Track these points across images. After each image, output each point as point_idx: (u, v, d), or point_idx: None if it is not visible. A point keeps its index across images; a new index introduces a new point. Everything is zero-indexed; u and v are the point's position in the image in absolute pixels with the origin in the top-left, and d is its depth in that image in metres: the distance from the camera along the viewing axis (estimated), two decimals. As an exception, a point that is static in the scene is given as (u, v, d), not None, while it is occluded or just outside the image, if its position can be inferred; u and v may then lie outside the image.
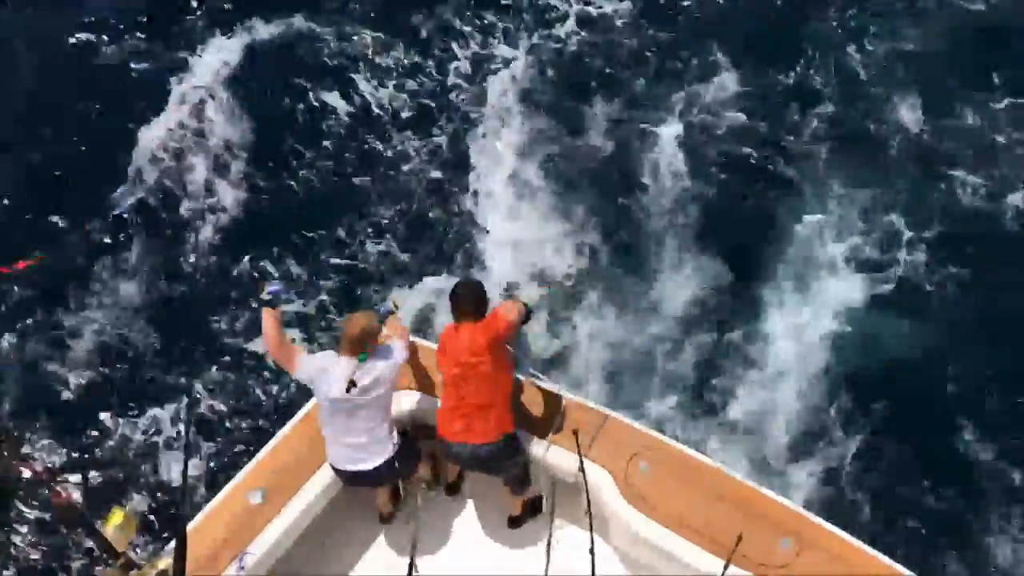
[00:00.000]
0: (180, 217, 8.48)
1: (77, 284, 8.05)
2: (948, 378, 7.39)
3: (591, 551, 4.31)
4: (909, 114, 8.81)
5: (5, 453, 6.93)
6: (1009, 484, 6.92)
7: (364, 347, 5.06)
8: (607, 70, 9.34)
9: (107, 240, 8.34)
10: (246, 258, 8.23)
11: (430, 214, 8.54)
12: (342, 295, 8.04)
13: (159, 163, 8.75)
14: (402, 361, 5.25)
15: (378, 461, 5.16)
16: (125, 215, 8.45)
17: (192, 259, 8.25)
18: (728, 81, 9.15)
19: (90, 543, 6.43)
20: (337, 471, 5.29)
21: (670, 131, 8.84)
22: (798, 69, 9.20)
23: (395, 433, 5.24)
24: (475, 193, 8.62)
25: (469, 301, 5.19)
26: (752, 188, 8.54)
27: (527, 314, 5.25)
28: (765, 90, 9.07)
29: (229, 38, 9.58)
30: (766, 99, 9.01)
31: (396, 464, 5.20)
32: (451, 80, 9.36)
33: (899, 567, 4.91)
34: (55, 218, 8.46)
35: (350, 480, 5.34)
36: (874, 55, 9.26)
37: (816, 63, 9.22)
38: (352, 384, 4.99)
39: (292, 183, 8.73)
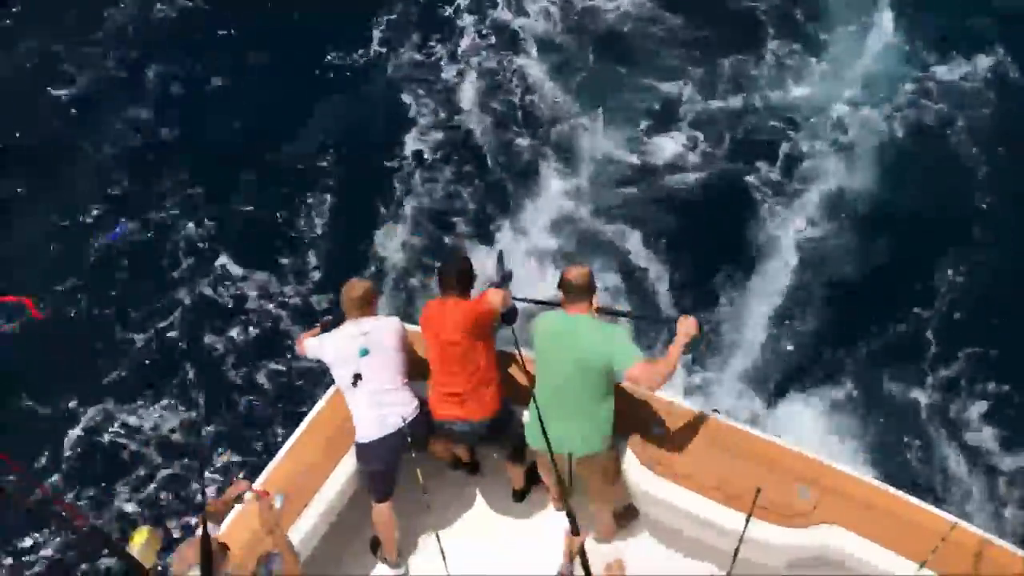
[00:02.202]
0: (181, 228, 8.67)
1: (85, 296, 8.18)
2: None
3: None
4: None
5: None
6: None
7: (367, 308, 5.23)
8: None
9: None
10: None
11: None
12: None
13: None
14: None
15: (400, 416, 5.09)
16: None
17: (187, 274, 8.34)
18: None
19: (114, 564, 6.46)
20: (361, 449, 5.23)
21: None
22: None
23: (413, 397, 5.24)
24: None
25: (452, 275, 5.24)
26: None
27: (513, 311, 5.26)
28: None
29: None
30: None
31: (412, 430, 5.06)
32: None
33: (927, 506, 4.89)
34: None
35: (371, 457, 5.24)
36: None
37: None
38: (358, 376, 5.12)
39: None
